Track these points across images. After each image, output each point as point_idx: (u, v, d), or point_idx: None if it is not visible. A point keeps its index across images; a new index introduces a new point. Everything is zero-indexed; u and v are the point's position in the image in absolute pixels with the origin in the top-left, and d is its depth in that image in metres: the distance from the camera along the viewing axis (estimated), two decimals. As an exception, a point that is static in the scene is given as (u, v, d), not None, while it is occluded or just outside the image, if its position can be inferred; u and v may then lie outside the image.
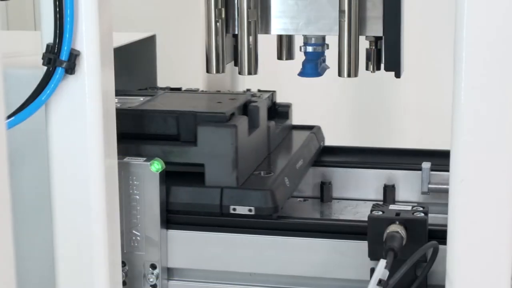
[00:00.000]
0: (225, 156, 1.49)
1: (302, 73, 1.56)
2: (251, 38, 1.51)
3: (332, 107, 2.71)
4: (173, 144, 1.53)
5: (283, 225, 1.46)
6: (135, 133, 1.56)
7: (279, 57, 1.65)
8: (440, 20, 2.71)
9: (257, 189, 1.49)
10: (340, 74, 1.49)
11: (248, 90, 1.83)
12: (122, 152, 1.51)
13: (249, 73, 1.54)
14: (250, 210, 1.47)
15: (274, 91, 1.81)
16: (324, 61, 1.58)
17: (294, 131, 1.87)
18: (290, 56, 1.65)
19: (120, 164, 1.41)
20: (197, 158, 1.51)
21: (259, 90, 1.82)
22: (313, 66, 1.55)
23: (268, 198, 1.46)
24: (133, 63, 1.98)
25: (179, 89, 1.86)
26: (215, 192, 1.48)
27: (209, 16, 1.52)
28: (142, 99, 1.69)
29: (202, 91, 1.85)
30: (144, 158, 1.47)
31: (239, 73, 1.55)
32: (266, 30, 1.54)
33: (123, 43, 1.83)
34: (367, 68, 1.53)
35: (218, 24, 1.52)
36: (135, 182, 1.46)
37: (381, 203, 1.56)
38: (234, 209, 1.47)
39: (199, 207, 1.48)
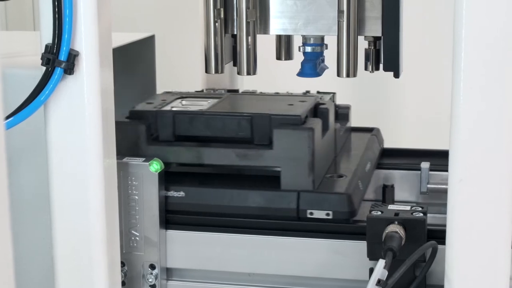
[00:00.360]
0: (302, 159, 1.47)
1: (301, 73, 1.56)
2: (250, 38, 1.51)
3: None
4: (247, 147, 1.51)
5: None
6: (206, 136, 1.54)
7: (278, 57, 1.65)
8: (439, 20, 2.70)
9: (335, 193, 1.47)
10: (339, 74, 1.49)
11: (308, 92, 1.79)
12: (194, 156, 1.51)
13: (248, 73, 1.53)
14: (327, 214, 1.44)
15: (334, 93, 1.78)
16: (323, 61, 1.58)
17: (353, 133, 1.84)
18: (289, 56, 1.64)
19: (119, 164, 1.41)
20: (273, 161, 1.49)
21: (318, 92, 1.78)
22: (312, 66, 1.55)
23: (345, 202, 1.44)
24: (132, 63, 1.97)
25: (236, 91, 1.82)
26: (291, 196, 1.46)
27: (208, 16, 1.52)
28: (208, 102, 1.66)
29: (261, 92, 1.80)
30: (143, 158, 1.47)
31: (238, 73, 1.55)
32: (265, 30, 1.54)
33: (122, 43, 1.82)
34: (366, 68, 1.53)
35: (217, 24, 1.52)
36: (134, 182, 1.46)
37: (380, 203, 1.55)
38: (311, 213, 1.45)
39: (275, 211, 1.46)
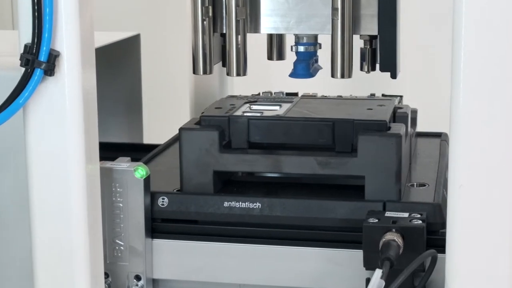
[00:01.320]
0: (389, 167, 1.40)
1: (293, 74, 1.54)
2: (239, 37, 1.50)
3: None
4: (329, 154, 1.43)
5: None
6: (282, 143, 1.47)
7: (269, 58, 1.64)
8: (438, 17, 2.72)
9: (424, 203, 1.40)
10: (333, 75, 1.48)
11: (373, 94, 1.73)
12: (271, 165, 1.45)
13: (238, 74, 1.52)
14: None
15: (401, 96, 1.71)
16: (316, 61, 1.56)
17: (419, 138, 1.78)
18: (280, 56, 1.63)
19: (102, 170, 1.37)
20: (357, 169, 1.41)
21: (383, 95, 1.72)
22: (305, 66, 1.53)
23: (437, 212, 1.37)
24: (117, 63, 1.96)
25: (296, 94, 1.74)
26: (377, 207, 1.39)
27: (195, 14, 1.50)
28: (281, 106, 1.58)
29: (323, 96, 1.73)
30: (128, 164, 1.43)
31: (227, 74, 1.53)
32: (256, 29, 1.52)
33: (106, 42, 1.81)
34: (361, 69, 1.52)
35: (205, 22, 1.50)
36: (118, 189, 1.42)
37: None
38: None
39: (360, 222, 1.37)
